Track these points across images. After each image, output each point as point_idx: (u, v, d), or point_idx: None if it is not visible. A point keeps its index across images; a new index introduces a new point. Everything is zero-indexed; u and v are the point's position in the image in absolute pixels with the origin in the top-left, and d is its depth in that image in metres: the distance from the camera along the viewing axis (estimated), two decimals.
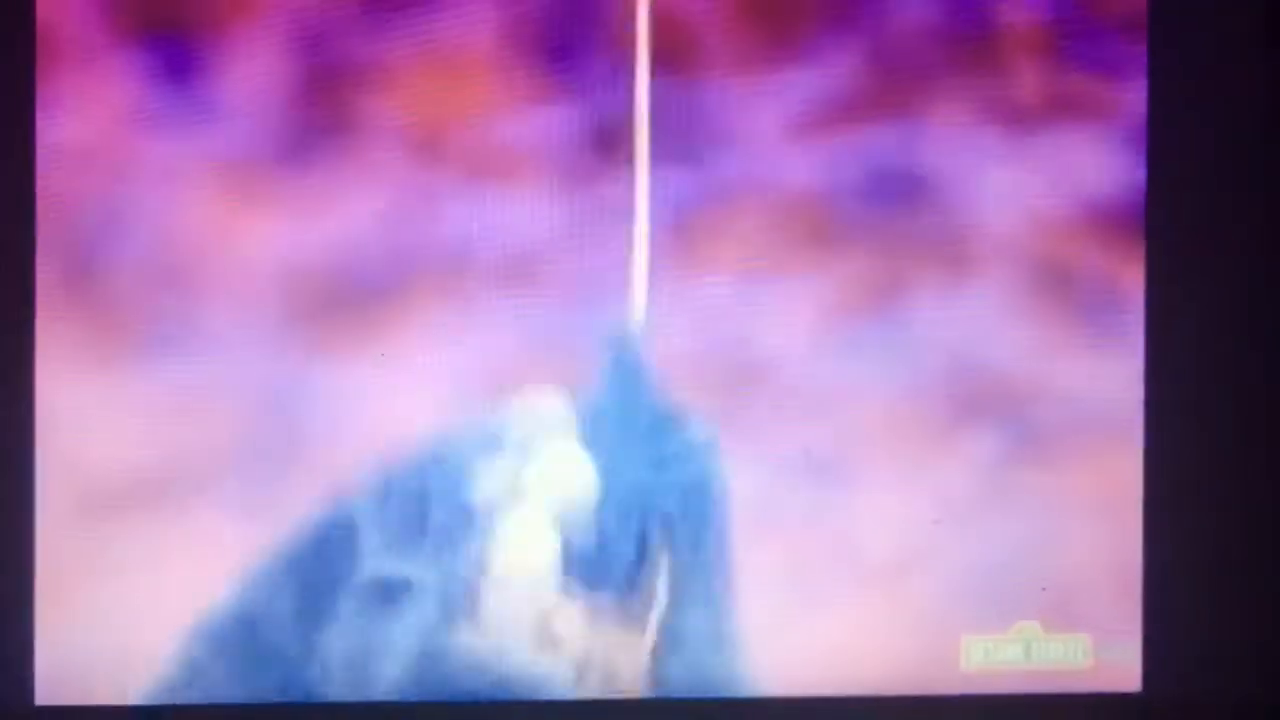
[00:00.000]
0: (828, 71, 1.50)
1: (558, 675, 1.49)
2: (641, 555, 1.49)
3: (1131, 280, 1.53)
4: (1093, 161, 1.52)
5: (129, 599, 1.46)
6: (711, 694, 1.51)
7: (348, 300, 1.47)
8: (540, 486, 1.49)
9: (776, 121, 1.49)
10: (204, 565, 1.46)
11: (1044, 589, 1.53)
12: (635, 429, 1.49)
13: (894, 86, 1.50)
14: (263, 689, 1.48)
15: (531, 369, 1.49)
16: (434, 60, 1.48)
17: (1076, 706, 1.54)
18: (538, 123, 1.48)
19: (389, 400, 1.48)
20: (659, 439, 1.49)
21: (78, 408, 1.45)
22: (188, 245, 1.46)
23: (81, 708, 1.46)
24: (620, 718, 1.51)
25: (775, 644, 1.51)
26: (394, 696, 1.49)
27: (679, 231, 1.49)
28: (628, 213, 1.49)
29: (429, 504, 1.48)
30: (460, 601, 1.48)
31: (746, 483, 1.50)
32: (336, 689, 1.48)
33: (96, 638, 1.46)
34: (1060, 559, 1.53)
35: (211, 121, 1.46)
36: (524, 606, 1.49)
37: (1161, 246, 1.53)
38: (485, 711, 1.49)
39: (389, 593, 1.48)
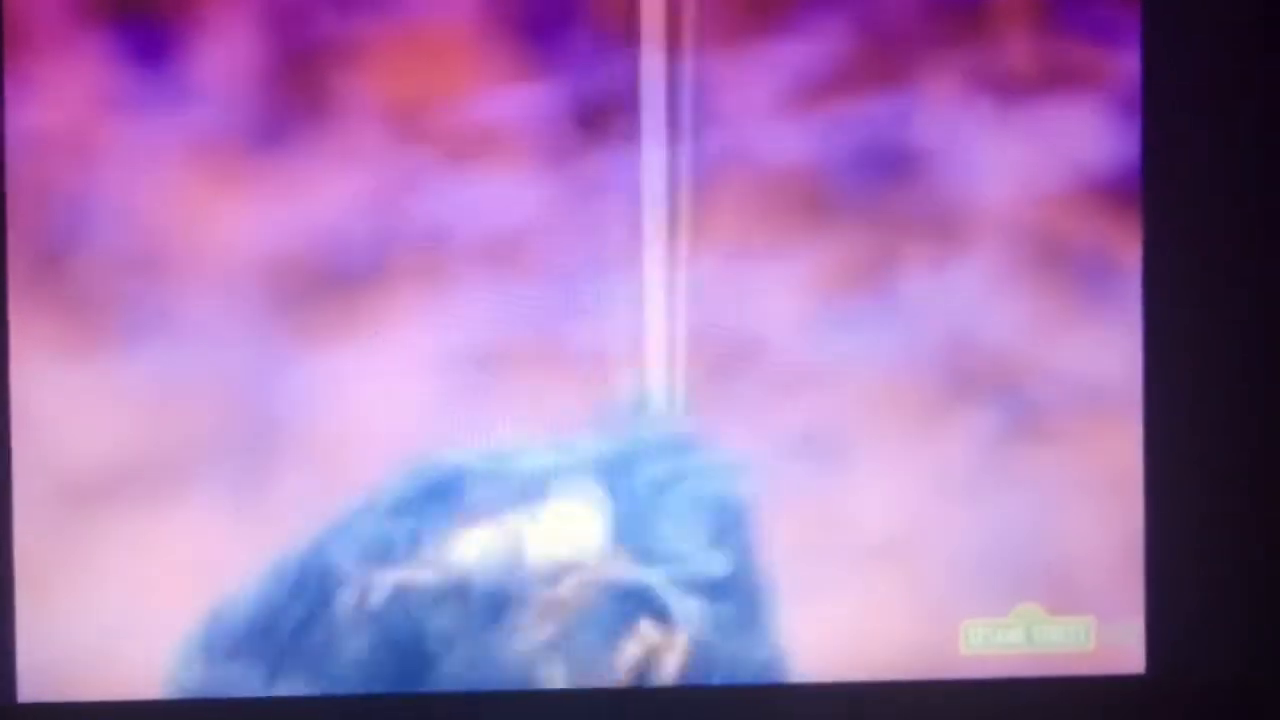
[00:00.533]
0: (815, 44, 1.47)
1: (558, 664, 1.47)
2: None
3: (1129, 252, 1.51)
4: (1087, 131, 1.50)
5: (111, 593, 1.44)
6: (709, 681, 1.49)
7: (329, 285, 1.45)
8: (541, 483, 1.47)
9: (765, 95, 1.47)
10: (186, 558, 1.44)
11: (1047, 564, 1.51)
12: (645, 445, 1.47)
13: (883, 58, 1.48)
14: (251, 683, 1.45)
15: (518, 354, 1.46)
16: (412, 37, 1.45)
17: (1079, 688, 1.51)
18: (521, 100, 1.45)
19: (373, 387, 1.45)
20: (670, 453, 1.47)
21: (53, 400, 1.43)
22: (163, 232, 1.44)
23: (65, 704, 1.44)
24: (624, 705, 1.48)
25: (766, 627, 1.49)
26: (393, 689, 1.46)
27: (667, 209, 1.47)
28: (614, 191, 1.47)
29: (427, 496, 1.46)
30: (459, 593, 1.46)
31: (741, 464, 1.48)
32: (325, 682, 1.46)
33: (79, 632, 1.44)
34: (1062, 539, 1.51)
35: (185, 105, 1.44)
36: (524, 599, 1.47)
37: (1158, 216, 1.50)
38: (494, 701, 1.47)
39: (382, 586, 1.46)
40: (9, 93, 1.42)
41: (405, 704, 1.46)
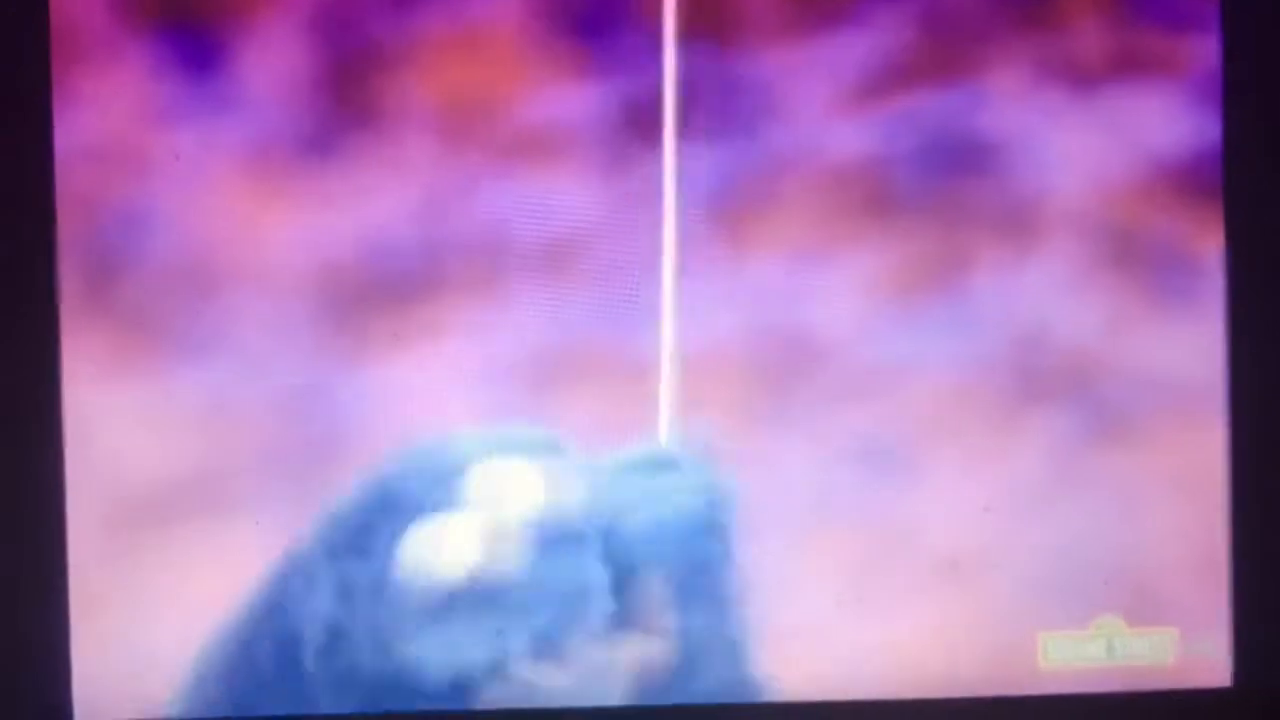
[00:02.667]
0: (878, 34, 1.44)
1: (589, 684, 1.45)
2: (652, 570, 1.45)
3: (1209, 246, 1.47)
4: (1164, 120, 1.46)
5: (164, 612, 1.43)
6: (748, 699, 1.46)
7: (381, 296, 1.44)
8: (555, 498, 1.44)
9: (825, 90, 1.44)
10: (242, 575, 1.43)
11: (1128, 574, 1.47)
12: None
13: (949, 48, 1.45)
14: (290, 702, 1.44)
15: (573, 361, 1.44)
16: (462, 41, 1.43)
17: (1161, 702, 1.47)
18: (573, 102, 1.43)
19: (426, 399, 1.43)
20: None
21: (107, 416, 1.43)
22: (215, 243, 1.43)
23: None
24: None
25: (838, 643, 1.46)
26: (420, 706, 1.44)
27: (726, 210, 1.44)
28: (670, 193, 1.44)
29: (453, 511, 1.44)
30: (482, 608, 1.43)
31: (803, 473, 1.45)
32: (369, 700, 1.44)
33: (133, 652, 1.43)
34: (1143, 547, 1.47)
35: (234, 114, 1.43)
36: (551, 615, 1.44)
37: (1240, 208, 1.46)
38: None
39: (415, 602, 1.43)
40: (58, 105, 1.42)
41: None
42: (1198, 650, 1.47)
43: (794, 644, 1.45)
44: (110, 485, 1.43)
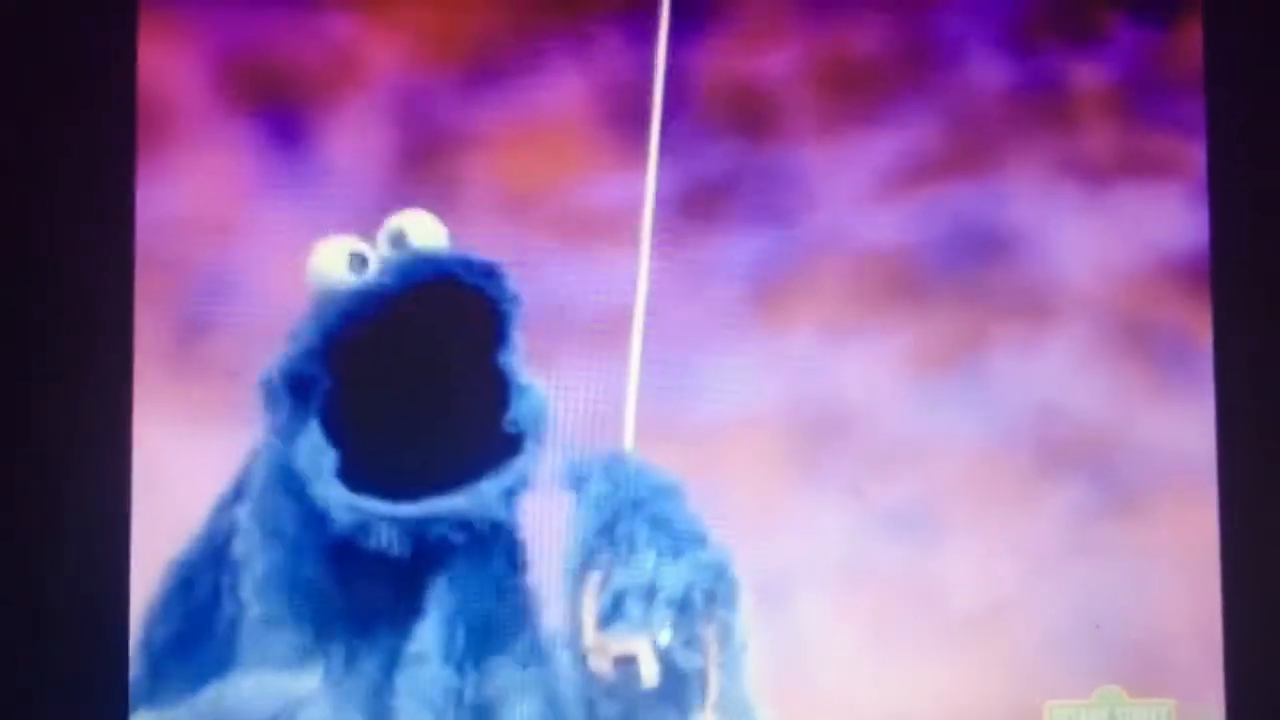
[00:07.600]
0: (907, 133, 1.54)
1: None
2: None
3: (1205, 332, 1.54)
4: (1164, 216, 1.55)
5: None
6: None
7: None
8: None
9: (858, 182, 1.53)
10: None
11: (1129, 644, 1.52)
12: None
13: (971, 146, 1.54)
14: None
15: (623, 429, 1.50)
16: (528, 128, 1.52)
17: None
18: (627, 188, 1.51)
19: None
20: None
21: (174, 470, 1.47)
22: (287, 307, 1.48)
23: None
24: None
25: (851, 707, 1.50)
26: None
27: (764, 291, 1.52)
28: (714, 274, 1.52)
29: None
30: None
31: (829, 539, 1.50)
32: None
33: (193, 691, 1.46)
34: (1145, 618, 1.52)
35: (311, 190, 1.50)
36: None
37: (1228, 297, 1.54)
38: None
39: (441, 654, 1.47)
40: (142, 179, 1.49)
41: None
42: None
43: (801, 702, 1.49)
44: (176, 535, 1.46)
